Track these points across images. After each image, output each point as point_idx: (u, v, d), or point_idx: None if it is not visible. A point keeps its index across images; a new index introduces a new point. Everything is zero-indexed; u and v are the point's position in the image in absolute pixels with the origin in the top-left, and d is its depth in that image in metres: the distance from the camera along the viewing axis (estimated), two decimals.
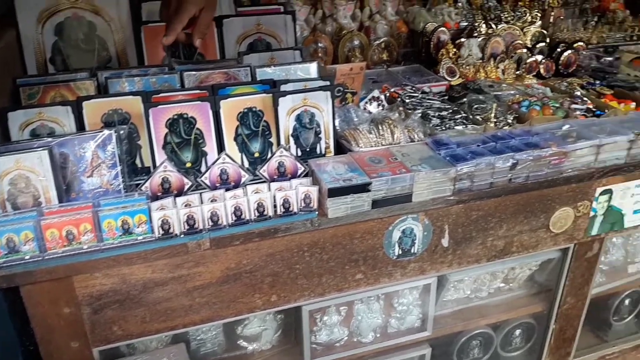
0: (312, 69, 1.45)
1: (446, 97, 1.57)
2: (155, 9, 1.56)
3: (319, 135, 1.29)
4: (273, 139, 1.26)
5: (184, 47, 1.53)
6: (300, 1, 1.92)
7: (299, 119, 1.26)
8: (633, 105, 1.49)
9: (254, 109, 1.23)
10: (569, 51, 1.76)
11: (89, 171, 1.09)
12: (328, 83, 1.31)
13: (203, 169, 1.21)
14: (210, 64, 1.43)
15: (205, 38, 1.35)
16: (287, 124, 1.26)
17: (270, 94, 1.23)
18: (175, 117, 1.18)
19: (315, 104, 1.27)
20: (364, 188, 1.15)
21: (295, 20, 1.63)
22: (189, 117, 1.19)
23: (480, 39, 1.81)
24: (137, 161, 1.23)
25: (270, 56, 1.52)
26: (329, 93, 1.27)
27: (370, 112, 1.49)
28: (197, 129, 1.20)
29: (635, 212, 1.47)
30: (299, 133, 1.27)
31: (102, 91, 1.26)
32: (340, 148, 1.33)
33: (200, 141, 1.21)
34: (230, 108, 1.21)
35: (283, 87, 1.27)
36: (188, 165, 1.21)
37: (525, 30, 1.89)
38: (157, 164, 1.17)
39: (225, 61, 1.48)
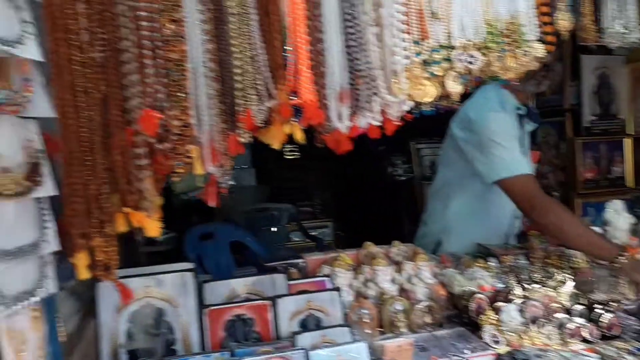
0: (362, 349, 1.53)
1: None
2: (216, 290, 1.75)
3: None
4: None
5: (243, 328, 1.65)
6: (342, 268, 2.10)
7: None
8: None
9: None
10: (609, 314, 1.81)
11: None
12: None
13: None
14: (267, 345, 1.53)
15: None
16: None
17: None
18: None
19: None
20: None
21: (341, 295, 1.78)
22: None
23: (518, 302, 1.89)
24: None
25: (322, 334, 1.62)
26: None
27: None
28: None
29: None
30: None
31: None
32: None
33: None
34: None
35: None
36: None
37: (558, 290, 1.98)
38: None
39: (280, 342, 1.58)
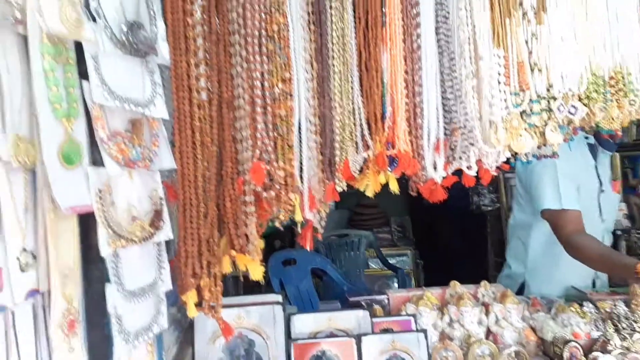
0: None
1: None
2: (302, 323, 1.79)
3: None
4: None
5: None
6: (427, 307, 2.08)
7: None
8: None
9: None
10: None
11: None
12: None
13: None
14: None
15: None
16: None
17: None
18: None
19: None
20: None
21: (427, 337, 1.76)
22: None
23: (616, 353, 1.78)
24: None
25: None
26: None
27: None
28: None
29: None
30: None
31: None
32: None
33: None
34: None
35: None
36: None
37: None
38: None
39: None
